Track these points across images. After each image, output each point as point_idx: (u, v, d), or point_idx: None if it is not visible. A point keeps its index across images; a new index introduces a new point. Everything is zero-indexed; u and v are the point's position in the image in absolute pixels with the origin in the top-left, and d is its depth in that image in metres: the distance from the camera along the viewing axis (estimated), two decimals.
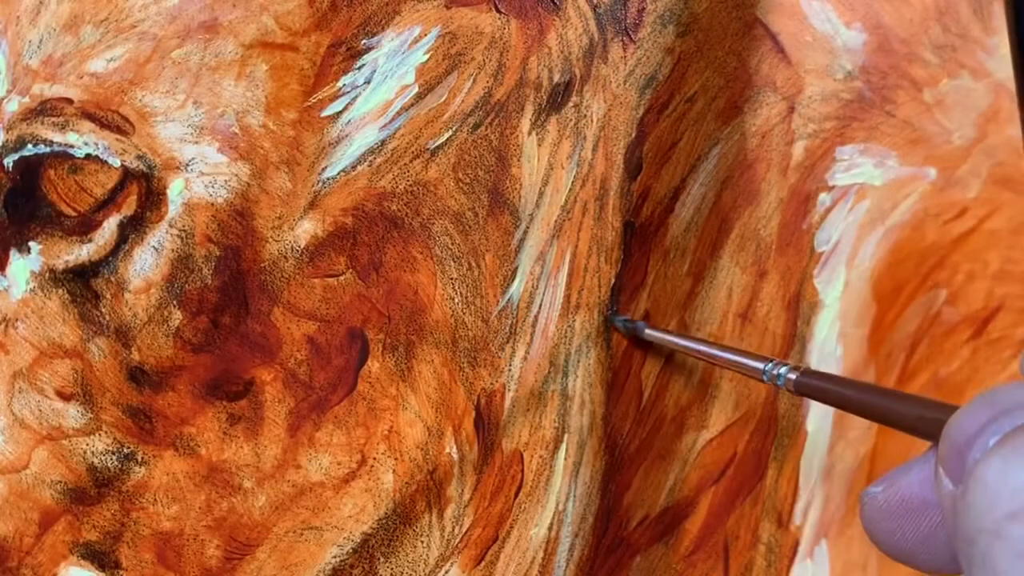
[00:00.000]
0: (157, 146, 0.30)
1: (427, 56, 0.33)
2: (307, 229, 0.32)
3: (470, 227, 0.34)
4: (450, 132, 0.33)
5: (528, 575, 0.35)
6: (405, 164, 0.33)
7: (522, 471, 0.34)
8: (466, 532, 0.34)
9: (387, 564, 0.33)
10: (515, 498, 0.34)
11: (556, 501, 0.35)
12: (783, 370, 0.28)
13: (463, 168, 0.33)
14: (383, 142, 0.32)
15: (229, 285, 0.31)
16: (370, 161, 0.32)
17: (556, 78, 0.35)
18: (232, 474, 0.31)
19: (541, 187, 0.34)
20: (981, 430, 0.17)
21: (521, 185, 0.34)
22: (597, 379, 0.36)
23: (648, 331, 0.35)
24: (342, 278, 0.32)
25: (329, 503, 0.32)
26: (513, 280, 0.34)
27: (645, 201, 0.36)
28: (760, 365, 0.29)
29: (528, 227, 0.34)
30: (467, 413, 0.34)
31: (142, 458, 0.31)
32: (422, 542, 0.33)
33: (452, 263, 0.33)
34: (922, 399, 0.22)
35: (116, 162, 0.30)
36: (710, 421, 0.38)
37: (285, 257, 0.32)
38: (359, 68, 0.32)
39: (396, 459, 0.33)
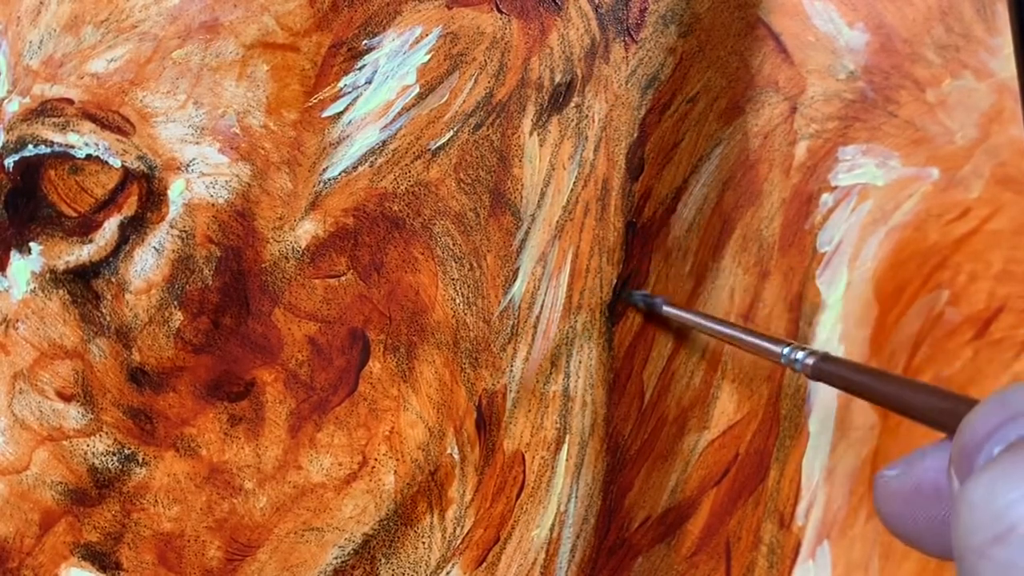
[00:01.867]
0: (158, 146, 0.30)
1: (428, 56, 0.33)
2: (308, 230, 0.32)
3: (471, 228, 0.34)
4: (451, 132, 0.33)
5: None
6: (406, 164, 0.33)
7: (524, 472, 0.34)
8: (467, 533, 0.34)
9: (388, 565, 0.33)
10: (516, 499, 0.34)
11: (558, 502, 0.35)
12: (800, 355, 0.28)
13: (464, 168, 0.33)
14: (384, 142, 0.32)
15: (230, 286, 0.31)
16: (371, 161, 0.32)
17: (558, 78, 0.34)
18: (233, 475, 0.31)
19: (543, 187, 0.34)
20: (990, 434, 0.17)
21: (523, 185, 0.34)
22: (599, 380, 0.36)
23: (666, 308, 0.35)
24: (343, 279, 0.32)
25: (330, 504, 0.32)
26: (515, 281, 0.34)
27: (647, 201, 0.36)
28: (778, 349, 0.29)
29: (530, 228, 0.34)
30: (468, 414, 0.34)
31: (143, 459, 0.30)
32: (423, 543, 0.33)
33: (454, 264, 0.33)
34: (939, 389, 0.21)
35: (117, 163, 0.30)
36: (712, 422, 0.38)
37: (286, 258, 0.31)
38: (360, 68, 0.32)
39: (397, 460, 0.33)
